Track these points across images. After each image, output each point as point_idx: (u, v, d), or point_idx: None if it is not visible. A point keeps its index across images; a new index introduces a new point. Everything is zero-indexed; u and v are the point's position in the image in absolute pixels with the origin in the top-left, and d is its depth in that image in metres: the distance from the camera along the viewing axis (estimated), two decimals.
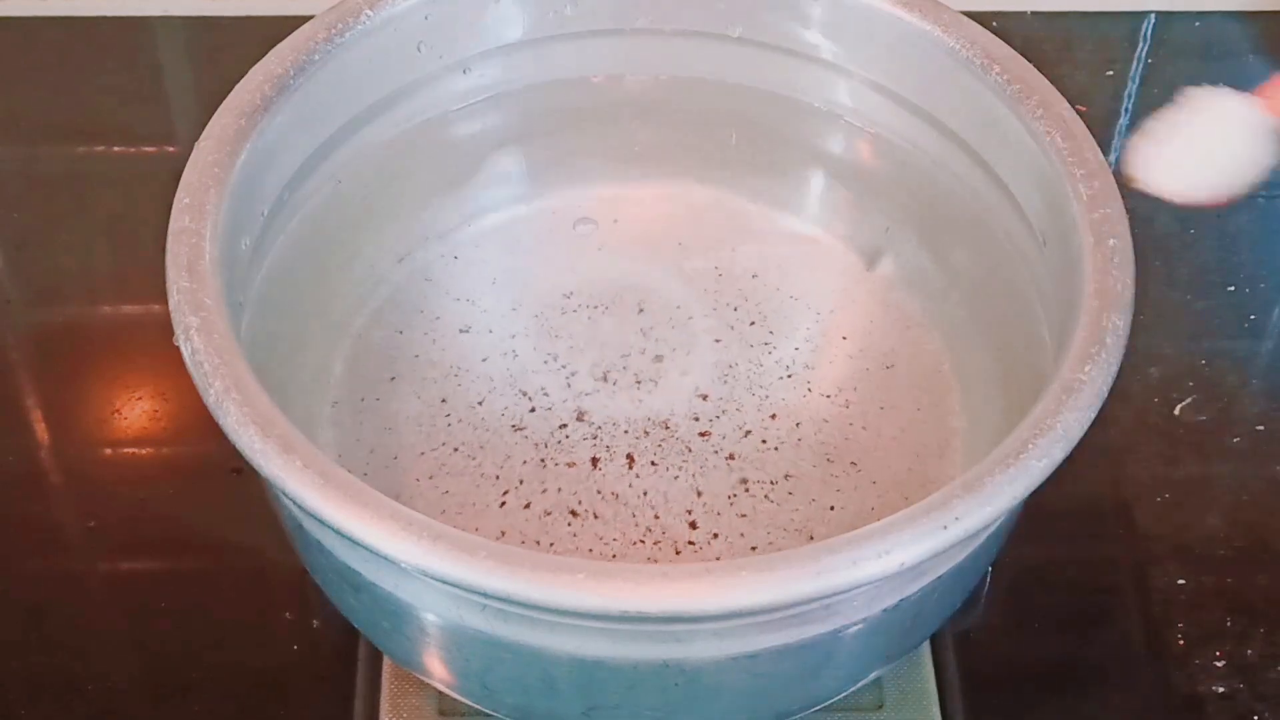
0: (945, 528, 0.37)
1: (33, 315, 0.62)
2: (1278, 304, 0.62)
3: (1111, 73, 0.70)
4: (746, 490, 0.47)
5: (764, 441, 0.48)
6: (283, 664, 0.51)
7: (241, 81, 0.46)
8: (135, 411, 0.57)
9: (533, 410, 0.49)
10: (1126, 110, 0.69)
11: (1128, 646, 0.53)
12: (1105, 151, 0.46)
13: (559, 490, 0.47)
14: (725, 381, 0.50)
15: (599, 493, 0.47)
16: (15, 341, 0.61)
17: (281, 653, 0.51)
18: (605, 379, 0.50)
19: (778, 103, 0.54)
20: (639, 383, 0.50)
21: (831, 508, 0.47)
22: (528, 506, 0.47)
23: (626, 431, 0.48)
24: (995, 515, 0.38)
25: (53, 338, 0.61)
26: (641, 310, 0.52)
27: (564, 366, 0.50)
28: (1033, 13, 0.72)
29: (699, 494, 0.47)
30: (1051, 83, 0.47)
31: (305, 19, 0.48)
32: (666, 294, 0.52)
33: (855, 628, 0.41)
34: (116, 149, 0.67)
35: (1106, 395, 0.40)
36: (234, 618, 0.52)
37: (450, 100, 0.53)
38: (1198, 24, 0.72)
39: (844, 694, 0.46)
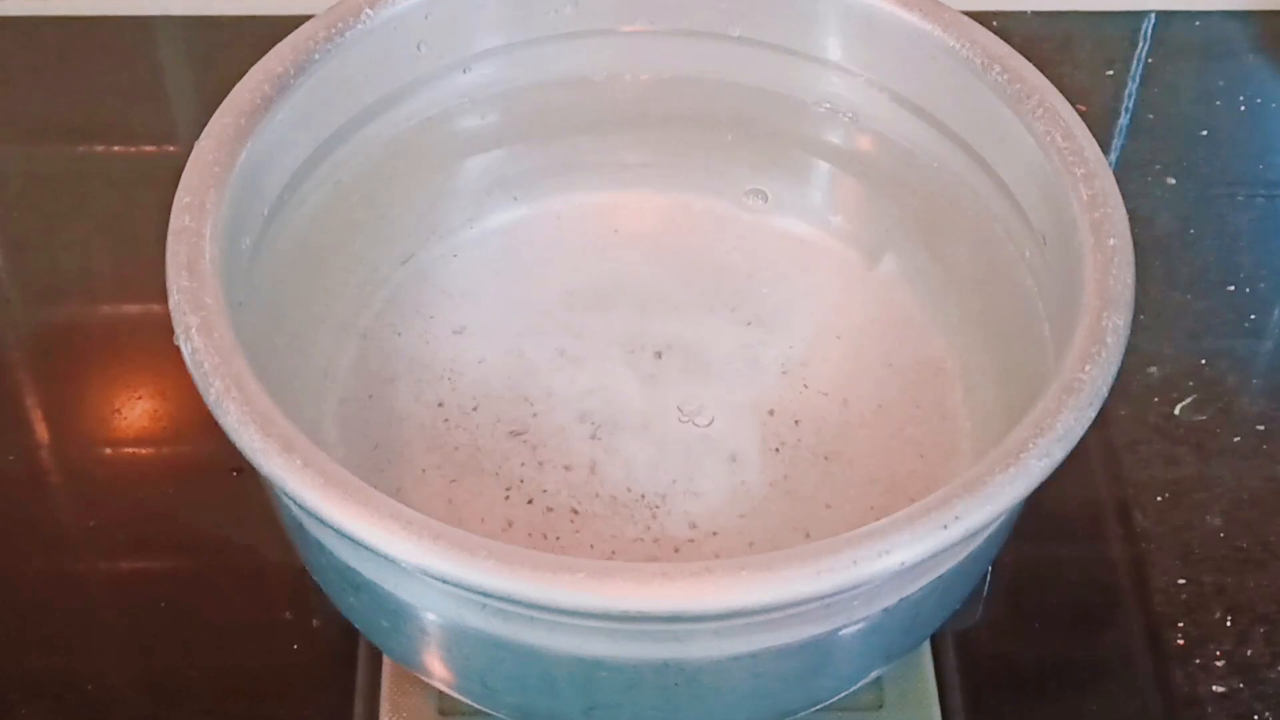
0: (945, 527, 0.37)
1: (33, 315, 0.62)
2: (1278, 304, 0.62)
3: (1111, 72, 0.70)
4: (745, 488, 0.47)
5: (763, 440, 0.48)
6: (283, 664, 0.51)
7: (241, 81, 0.46)
8: (135, 411, 0.57)
9: (534, 413, 0.49)
10: (1126, 110, 0.69)
11: (1128, 646, 0.53)
12: (1105, 151, 0.46)
13: (559, 489, 0.47)
14: (725, 381, 0.50)
15: (599, 492, 0.47)
16: (15, 341, 0.61)
17: (281, 653, 0.51)
18: (605, 379, 0.50)
19: (777, 102, 0.54)
20: (639, 383, 0.50)
21: (828, 505, 0.47)
22: (529, 504, 0.47)
23: (626, 432, 0.48)
24: (995, 515, 0.38)
25: (53, 338, 0.61)
26: (641, 310, 0.52)
27: (563, 366, 0.50)
28: (1033, 12, 0.72)
29: (698, 493, 0.47)
30: (1051, 82, 0.47)
31: (305, 18, 0.48)
32: (666, 293, 0.52)
33: (855, 627, 0.41)
34: (116, 148, 0.67)
35: (1107, 395, 0.40)
36: (234, 617, 0.52)
37: (451, 100, 0.53)
38: (1198, 23, 0.72)
39: (844, 694, 0.46)
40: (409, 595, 0.41)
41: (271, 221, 0.47)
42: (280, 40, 0.47)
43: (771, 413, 0.49)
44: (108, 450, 0.57)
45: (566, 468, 0.48)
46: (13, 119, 0.68)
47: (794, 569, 0.36)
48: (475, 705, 0.46)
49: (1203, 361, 0.60)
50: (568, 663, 0.41)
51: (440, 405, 0.49)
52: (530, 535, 0.46)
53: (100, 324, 0.61)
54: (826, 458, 0.48)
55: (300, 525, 0.42)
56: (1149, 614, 0.53)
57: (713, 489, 0.47)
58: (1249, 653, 0.52)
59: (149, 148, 0.67)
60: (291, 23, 0.48)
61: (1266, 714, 0.51)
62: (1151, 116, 0.69)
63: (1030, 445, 0.38)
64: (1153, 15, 0.72)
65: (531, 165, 0.55)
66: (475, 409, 0.49)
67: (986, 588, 0.52)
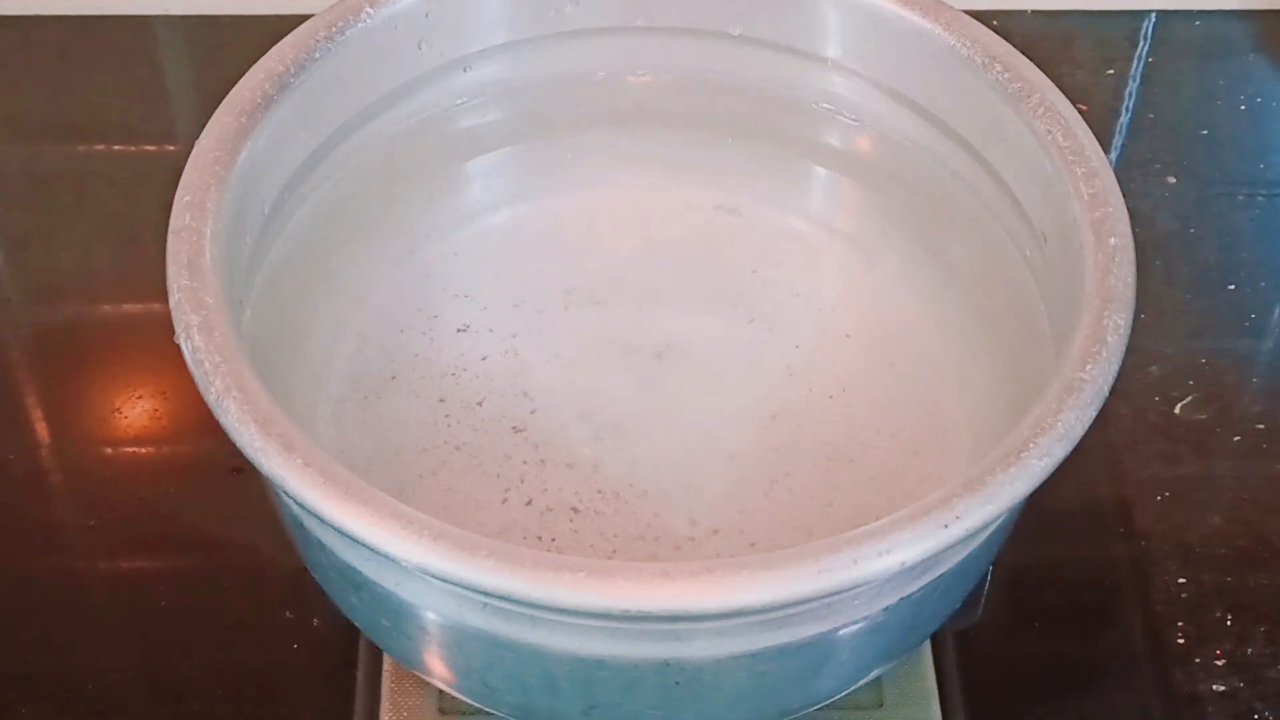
0: (946, 527, 0.37)
1: (33, 314, 0.62)
2: (1278, 303, 0.62)
3: (1112, 71, 0.70)
4: (746, 487, 0.47)
5: (764, 439, 0.48)
6: (283, 663, 0.51)
7: (242, 79, 0.46)
8: (136, 410, 0.57)
9: (533, 410, 0.49)
10: (1127, 109, 0.69)
11: (1128, 646, 0.53)
12: (1106, 150, 0.46)
13: (560, 488, 0.47)
14: (725, 379, 0.50)
15: (599, 490, 0.47)
16: (15, 341, 0.61)
17: (281, 652, 0.51)
18: (606, 377, 0.50)
19: (778, 100, 0.54)
20: (639, 380, 0.50)
21: (830, 504, 0.47)
22: (529, 503, 0.47)
23: (627, 432, 0.48)
24: (996, 514, 0.38)
25: (53, 337, 0.61)
26: (641, 308, 0.52)
27: (564, 365, 0.50)
28: (1033, 11, 0.72)
29: (699, 491, 0.47)
30: (1052, 81, 0.47)
31: (306, 17, 0.48)
32: (666, 292, 0.52)
33: (856, 626, 0.41)
34: (117, 148, 0.67)
35: (1108, 394, 0.40)
36: (234, 617, 0.52)
37: (451, 98, 0.53)
38: (1198, 23, 0.72)
39: (844, 693, 0.46)
40: (409, 594, 0.41)
41: (272, 220, 0.47)
42: (281, 38, 0.47)
43: (772, 411, 0.49)
44: (108, 450, 0.57)
45: (568, 465, 0.48)
46: (13, 119, 0.68)
47: (794, 568, 0.36)
48: (475, 704, 0.46)
49: (1203, 360, 0.60)
50: (568, 662, 0.41)
51: (441, 403, 0.49)
52: (530, 534, 0.46)
53: (100, 324, 0.61)
54: (828, 457, 0.48)
55: (300, 524, 0.42)
56: (1149, 614, 0.53)
57: (714, 487, 0.47)
58: (1249, 652, 0.52)
59: (149, 148, 0.67)
60: (291, 22, 0.48)
61: (1267, 713, 0.51)
62: (1152, 116, 0.69)
63: (1031, 444, 0.38)
64: (1153, 15, 0.72)
65: (531, 164, 0.55)
66: (476, 408, 0.49)
67: (986, 588, 0.52)
